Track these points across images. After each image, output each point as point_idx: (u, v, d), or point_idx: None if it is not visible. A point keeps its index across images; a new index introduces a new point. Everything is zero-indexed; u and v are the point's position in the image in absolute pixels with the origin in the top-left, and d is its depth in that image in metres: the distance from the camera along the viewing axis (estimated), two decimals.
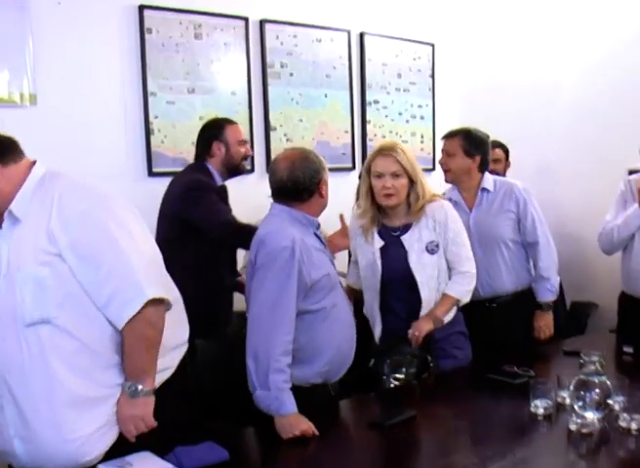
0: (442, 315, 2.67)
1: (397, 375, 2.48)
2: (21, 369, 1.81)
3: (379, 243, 2.73)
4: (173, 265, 2.87)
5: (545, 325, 3.17)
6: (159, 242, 3.06)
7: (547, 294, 3.16)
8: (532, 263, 3.21)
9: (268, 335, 2.17)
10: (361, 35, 4.55)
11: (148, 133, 3.66)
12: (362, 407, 2.52)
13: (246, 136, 3.34)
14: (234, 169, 3.23)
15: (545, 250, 3.13)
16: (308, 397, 2.24)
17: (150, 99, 3.65)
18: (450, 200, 3.01)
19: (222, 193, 3.20)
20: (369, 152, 4.44)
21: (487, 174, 3.19)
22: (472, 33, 5.04)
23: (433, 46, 4.96)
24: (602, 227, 3.22)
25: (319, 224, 2.42)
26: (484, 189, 3.14)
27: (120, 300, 1.81)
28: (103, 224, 1.83)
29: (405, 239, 2.70)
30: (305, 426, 2.11)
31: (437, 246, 2.69)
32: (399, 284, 2.72)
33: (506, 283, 3.15)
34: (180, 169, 3.65)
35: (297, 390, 2.20)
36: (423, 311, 2.68)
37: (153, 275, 1.89)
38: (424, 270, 2.68)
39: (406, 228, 2.72)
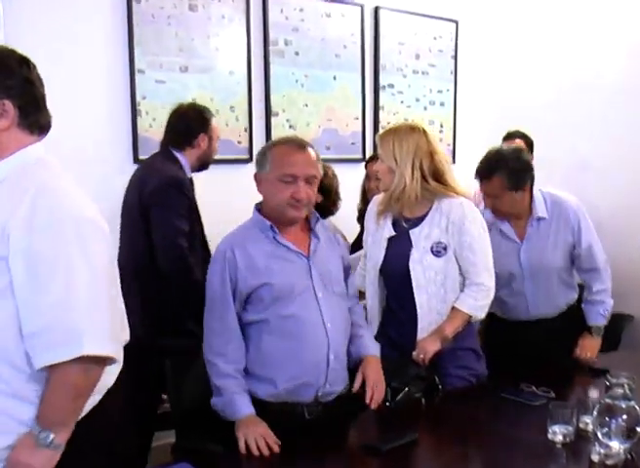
0: (451, 333, 2.49)
1: (402, 400, 2.35)
2: None
3: (389, 232, 2.58)
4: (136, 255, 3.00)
5: (591, 350, 2.95)
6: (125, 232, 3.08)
7: (599, 319, 2.99)
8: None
9: (210, 342, 2.21)
10: (375, 10, 4.37)
11: (135, 115, 3.49)
12: (358, 427, 2.33)
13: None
14: (206, 165, 3.25)
15: (603, 274, 2.98)
16: (274, 414, 2.15)
17: (138, 78, 3.47)
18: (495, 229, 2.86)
19: (191, 186, 3.13)
20: None
21: (536, 193, 2.88)
22: (501, 9, 4.79)
23: (457, 23, 4.76)
24: None
25: (278, 231, 2.22)
26: (539, 218, 2.86)
27: (48, 340, 1.55)
28: (68, 252, 1.56)
29: (414, 233, 2.52)
30: (263, 430, 2.06)
31: (445, 248, 2.49)
32: (397, 282, 2.56)
33: (555, 307, 2.99)
34: None
35: (261, 405, 2.16)
36: (420, 319, 2.50)
37: (106, 326, 1.62)
38: (424, 272, 2.49)
39: (418, 221, 2.54)
